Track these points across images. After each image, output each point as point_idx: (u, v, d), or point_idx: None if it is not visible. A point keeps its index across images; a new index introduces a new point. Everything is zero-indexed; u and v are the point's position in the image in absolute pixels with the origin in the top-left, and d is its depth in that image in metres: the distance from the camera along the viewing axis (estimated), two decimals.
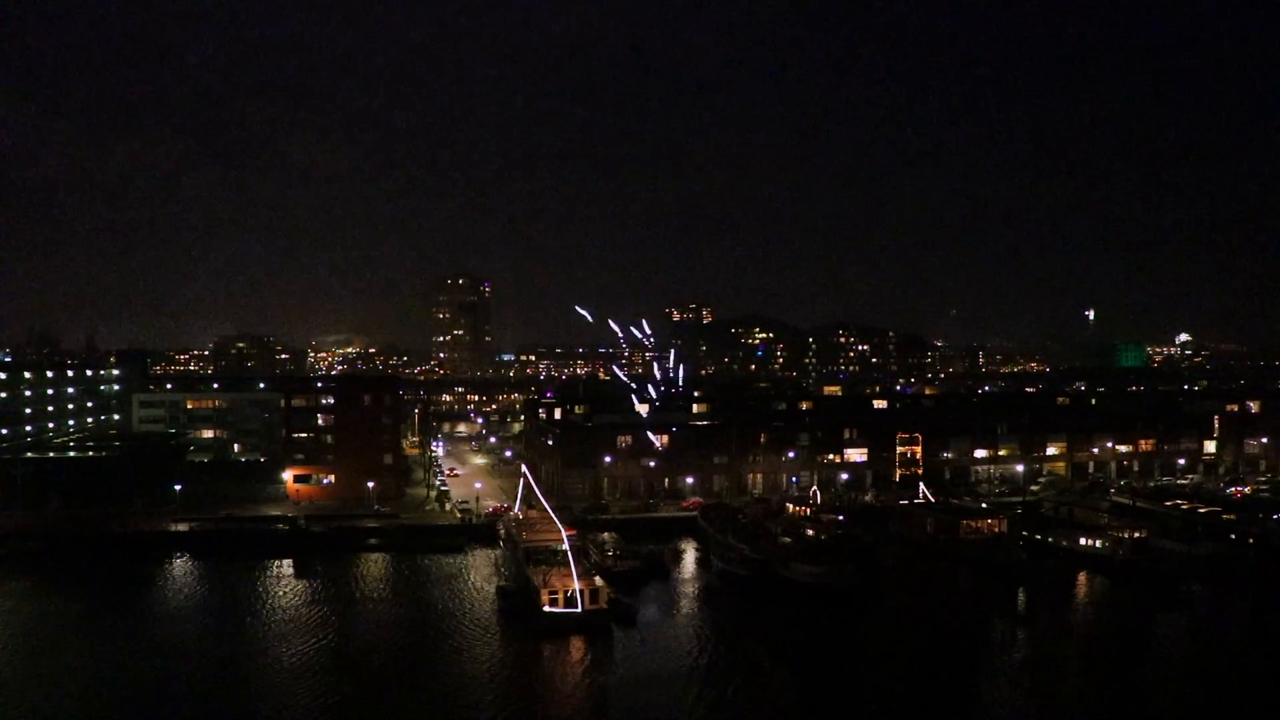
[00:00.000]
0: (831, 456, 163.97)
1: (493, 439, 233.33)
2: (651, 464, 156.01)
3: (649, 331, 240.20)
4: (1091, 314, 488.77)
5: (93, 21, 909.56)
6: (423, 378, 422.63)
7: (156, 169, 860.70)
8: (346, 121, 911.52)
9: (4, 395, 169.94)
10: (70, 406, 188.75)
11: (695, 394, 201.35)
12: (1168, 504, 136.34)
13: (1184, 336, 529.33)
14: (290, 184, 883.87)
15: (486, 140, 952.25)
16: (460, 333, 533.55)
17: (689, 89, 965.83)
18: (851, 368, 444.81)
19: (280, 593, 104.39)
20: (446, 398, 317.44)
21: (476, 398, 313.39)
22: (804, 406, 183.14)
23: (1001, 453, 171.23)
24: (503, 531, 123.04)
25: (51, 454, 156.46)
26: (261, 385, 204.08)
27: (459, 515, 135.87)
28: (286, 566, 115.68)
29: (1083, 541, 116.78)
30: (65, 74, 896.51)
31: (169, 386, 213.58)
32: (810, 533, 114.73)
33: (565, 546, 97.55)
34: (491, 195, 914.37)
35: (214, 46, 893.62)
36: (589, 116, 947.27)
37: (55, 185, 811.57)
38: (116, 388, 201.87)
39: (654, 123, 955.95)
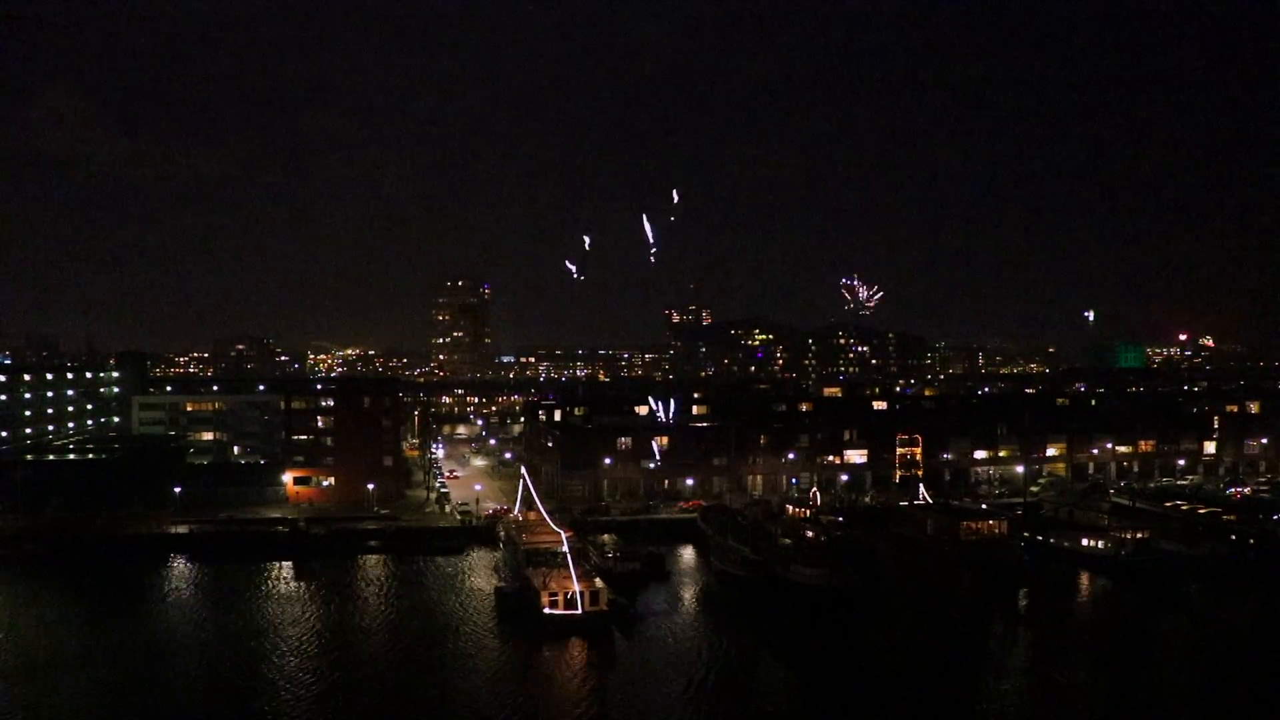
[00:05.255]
0: (831, 458, 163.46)
1: (492, 441, 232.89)
2: (651, 466, 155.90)
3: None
4: (1091, 314, 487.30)
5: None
6: (422, 380, 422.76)
7: (159, 175, 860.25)
8: (361, 127, 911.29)
9: (4, 398, 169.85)
10: (70, 409, 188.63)
11: (695, 395, 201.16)
12: (1168, 505, 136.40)
13: (1183, 337, 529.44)
14: (293, 191, 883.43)
15: (486, 142, 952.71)
16: (460, 334, 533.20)
17: (688, 91, 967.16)
18: (851, 369, 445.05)
19: (280, 595, 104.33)
20: (446, 400, 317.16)
21: (476, 400, 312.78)
22: (804, 408, 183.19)
23: (1001, 454, 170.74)
24: (502, 533, 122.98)
25: (51, 456, 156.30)
26: (261, 387, 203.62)
27: (459, 517, 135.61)
28: (286, 569, 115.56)
29: (1084, 542, 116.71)
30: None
31: (169, 389, 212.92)
32: (810, 534, 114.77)
33: (565, 548, 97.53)
34: (492, 197, 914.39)
35: (230, 56, 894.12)
36: (589, 119, 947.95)
37: (66, 190, 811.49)
38: (116, 390, 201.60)
39: (653, 125, 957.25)
